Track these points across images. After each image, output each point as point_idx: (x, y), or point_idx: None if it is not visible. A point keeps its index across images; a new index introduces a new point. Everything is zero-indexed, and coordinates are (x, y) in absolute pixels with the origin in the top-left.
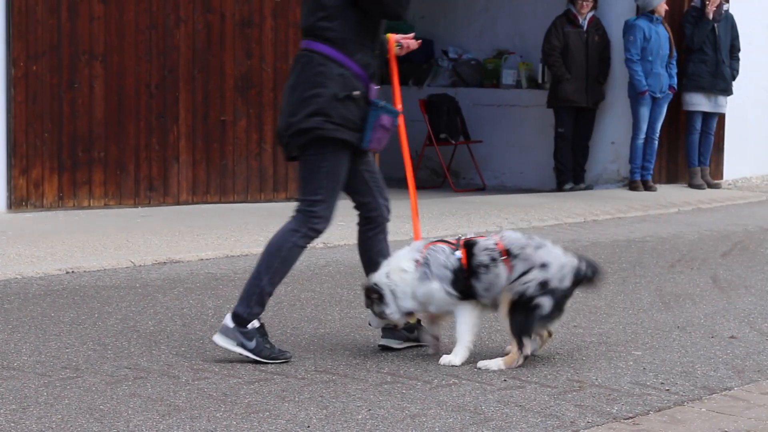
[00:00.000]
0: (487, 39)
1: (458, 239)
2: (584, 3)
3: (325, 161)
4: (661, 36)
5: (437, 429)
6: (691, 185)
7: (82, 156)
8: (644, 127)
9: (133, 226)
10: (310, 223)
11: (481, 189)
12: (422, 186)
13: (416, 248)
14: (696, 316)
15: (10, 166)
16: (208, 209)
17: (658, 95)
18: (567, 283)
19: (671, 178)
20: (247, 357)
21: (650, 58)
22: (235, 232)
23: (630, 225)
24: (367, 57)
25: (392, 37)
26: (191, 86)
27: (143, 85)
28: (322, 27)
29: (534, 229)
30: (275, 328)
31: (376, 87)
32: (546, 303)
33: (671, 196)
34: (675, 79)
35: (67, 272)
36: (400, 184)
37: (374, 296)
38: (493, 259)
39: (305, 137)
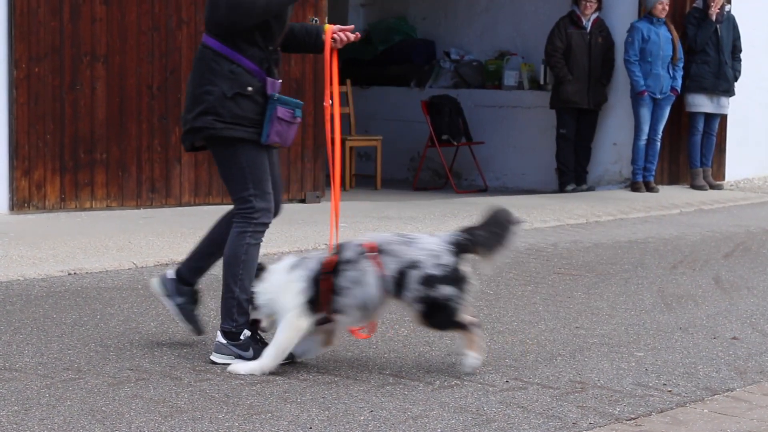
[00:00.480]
0: (489, 40)
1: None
2: (588, 4)
3: (240, 157)
4: (662, 37)
5: (439, 430)
6: (693, 186)
7: (84, 157)
8: (645, 128)
9: (136, 228)
10: (252, 219)
11: (483, 190)
12: (424, 187)
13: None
14: (698, 317)
15: (12, 168)
16: (210, 210)
17: (658, 96)
18: (445, 259)
19: (673, 179)
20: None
21: (650, 59)
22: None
23: (632, 226)
24: (262, 52)
25: (329, 30)
26: None
27: (145, 87)
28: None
29: (536, 230)
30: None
31: (278, 81)
32: (447, 291)
33: (673, 197)
34: (678, 81)
35: (69, 274)
36: (402, 185)
37: None
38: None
39: (198, 135)
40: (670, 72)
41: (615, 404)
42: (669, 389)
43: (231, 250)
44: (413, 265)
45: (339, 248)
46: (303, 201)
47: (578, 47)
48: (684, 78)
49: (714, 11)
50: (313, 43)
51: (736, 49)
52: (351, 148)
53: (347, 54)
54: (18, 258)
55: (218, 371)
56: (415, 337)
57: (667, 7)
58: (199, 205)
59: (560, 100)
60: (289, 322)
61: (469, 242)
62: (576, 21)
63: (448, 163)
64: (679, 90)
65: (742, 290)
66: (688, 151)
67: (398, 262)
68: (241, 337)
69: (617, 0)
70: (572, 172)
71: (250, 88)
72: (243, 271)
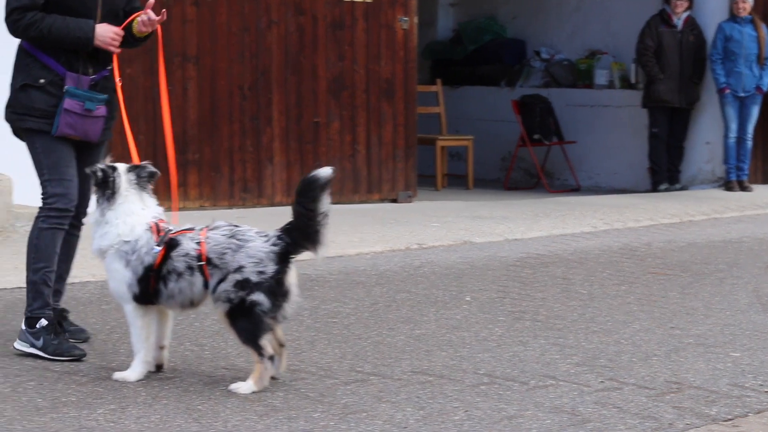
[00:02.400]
0: (579, 39)
1: (183, 229)
2: (679, 2)
3: (36, 143)
4: (746, 36)
5: (534, 430)
6: None
7: (177, 158)
8: (733, 126)
9: None
10: (45, 204)
11: (576, 190)
12: (516, 187)
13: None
14: None
15: None
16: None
17: (741, 94)
18: (270, 269)
19: (767, 179)
20: (39, 355)
21: (732, 58)
22: (329, 233)
23: (726, 225)
24: (60, 49)
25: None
26: (284, 88)
27: (236, 87)
28: None
29: (629, 230)
30: (371, 329)
31: (83, 76)
32: (258, 298)
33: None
34: (765, 80)
35: None
36: (494, 185)
37: None
38: (190, 267)
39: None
40: (755, 71)
41: (711, 405)
42: (766, 390)
43: (29, 235)
44: (236, 269)
45: (170, 244)
46: (395, 201)
47: (669, 46)
48: None
49: None
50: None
51: None
52: (442, 147)
53: (438, 54)
54: None
55: (313, 371)
56: (509, 336)
57: (747, 6)
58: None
59: (652, 99)
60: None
61: (290, 246)
62: (667, 19)
63: (540, 163)
64: (764, 89)
65: None
66: None
67: (224, 272)
68: (37, 326)
69: None
70: (665, 171)
71: (42, 81)
72: (35, 255)
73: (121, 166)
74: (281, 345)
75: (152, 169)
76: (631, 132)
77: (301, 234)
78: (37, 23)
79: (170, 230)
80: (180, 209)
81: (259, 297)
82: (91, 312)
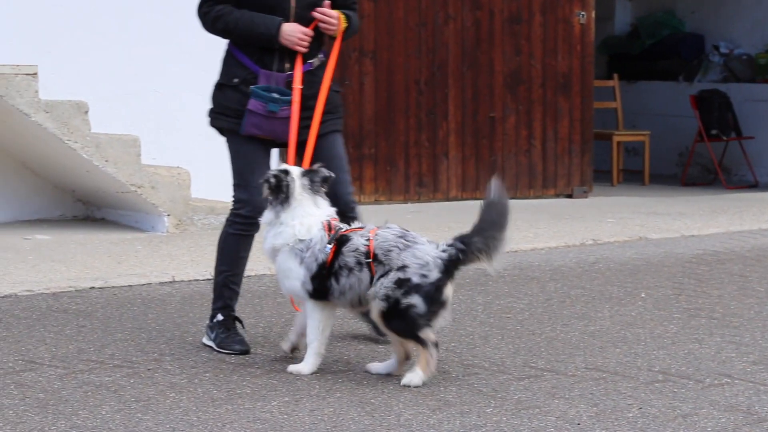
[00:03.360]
0: (759, 33)
1: (345, 228)
2: None
3: (229, 144)
4: None
5: (709, 429)
6: None
7: (353, 152)
8: None
9: (403, 222)
10: (233, 208)
11: (753, 186)
12: (693, 183)
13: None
14: None
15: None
16: (477, 205)
17: None
18: (434, 275)
19: None
20: (213, 348)
21: None
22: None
23: None
24: (253, 46)
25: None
26: (461, 83)
27: (412, 82)
28: None
29: None
30: (545, 325)
31: (275, 73)
32: (415, 301)
33: None
34: None
35: None
36: (670, 180)
37: None
38: (359, 263)
39: None
40: None
41: None
42: None
43: (219, 234)
44: (399, 268)
45: (341, 240)
46: (570, 196)
47: None
48: None
49: None
50: None
51: None
52: (618, 143)
53: (615, 49)
54: None
55: (486, 366)
56: (684, 334)
57: None
58: (466, 200)
59: None
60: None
61: (464, 254)
62: None
63: (718, 159)
64: None
65: None
66: None
67: (386, 269)
68: (213, 320)
69: None
70: None
71: (236, 80)
72: (219, 257)
73: (295, 170)
74: (407, 358)
75: (326, 173)
76: None
77: (482, 240)
78: (225, 16)
79: (341, 228)
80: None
81: (416, 300)
82: (266, 305)
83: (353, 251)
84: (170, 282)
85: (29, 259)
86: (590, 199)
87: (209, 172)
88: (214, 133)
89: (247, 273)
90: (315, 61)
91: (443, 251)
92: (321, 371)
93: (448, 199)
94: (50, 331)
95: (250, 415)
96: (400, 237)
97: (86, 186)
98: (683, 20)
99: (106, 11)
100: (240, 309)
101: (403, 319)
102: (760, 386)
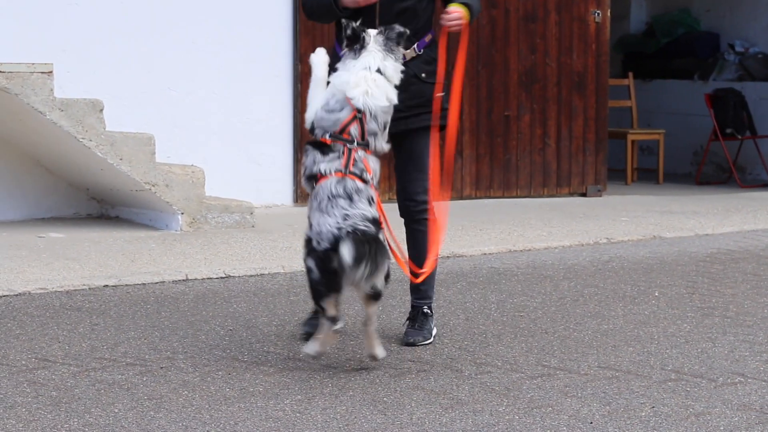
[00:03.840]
0: None
1: None
2: None
3: None
4: None
5: (722, 428)
6: None
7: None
8: None
9: None
10: None
11: None
12: (707, 181)
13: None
14: None
15: (296, 161)
16: (491, 204)
17: None
18: (324, 245)
19: None
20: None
21: None
22: (518, 226)
23: None
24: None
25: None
26: (476, 81)
27: None
28: None
29: None
30: (558, 323)
31: None
32: (311, 265)
33: None
34: None
35: None
36: (685, 179)
37: None
38: None
39: None
40: None
41: None
42: None
43: None
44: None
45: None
46: (584, 195)
47: None
48: None
49: None
50: None
51: None
52: (633, 141)
53: (630, 47)
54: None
55: (499, 364)
56: (697, 333)
57: None
58: (480, 198)
59: None
60: None
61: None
62: None
63: (732, 157)
64: None
65: None
66: None
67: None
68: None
69: None
70: None
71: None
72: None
73: (372, 30)
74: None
75: (400, 29)
76: None
77: None
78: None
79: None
80: None
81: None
82: (279, 303)
83: None
84: (184, 280)
85: (43, 257)
86: (604, 197)
87: (223, 170)
88: (228, 131)
89: (259, 272)
90: (410, 53)
91: None
92: (334, 370)
93: (462, 198)
94: (63, 329)
95: (263, 413)
96: None
97: (100, 184)
98: (698, 19)
99: (122, 10)
100: (253, 307)
101: None
102: None
